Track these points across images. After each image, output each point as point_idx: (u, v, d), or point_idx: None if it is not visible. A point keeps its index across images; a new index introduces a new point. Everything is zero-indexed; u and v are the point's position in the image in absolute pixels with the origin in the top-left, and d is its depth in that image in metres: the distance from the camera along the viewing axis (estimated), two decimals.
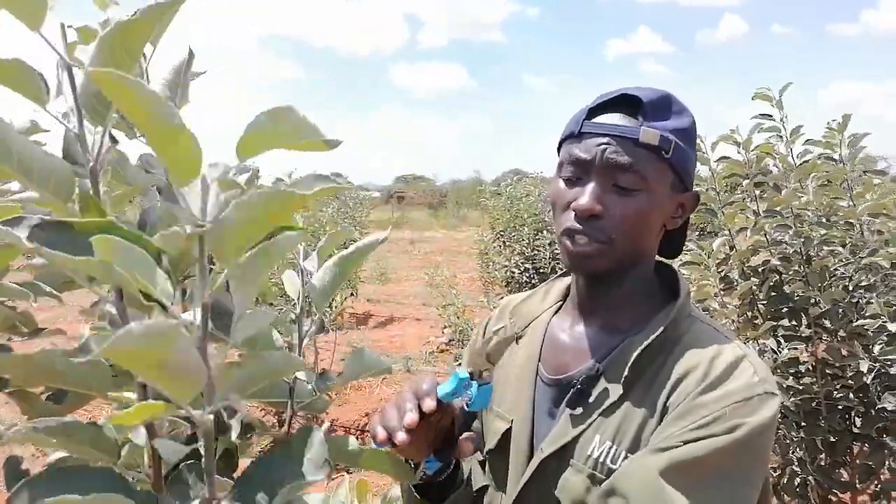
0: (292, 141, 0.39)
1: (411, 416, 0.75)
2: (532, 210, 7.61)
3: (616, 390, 0.83)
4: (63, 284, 0.66)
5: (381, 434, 0.77)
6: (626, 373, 0.83)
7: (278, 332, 0.69)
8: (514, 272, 7.42)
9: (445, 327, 6.99)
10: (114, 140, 0.60)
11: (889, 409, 1.78)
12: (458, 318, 6.76)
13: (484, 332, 1.08)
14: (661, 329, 0.84)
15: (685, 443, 0.75)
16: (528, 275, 7.17)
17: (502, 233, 8.15)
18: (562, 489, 0.84)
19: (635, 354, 0.83)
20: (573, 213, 0.85)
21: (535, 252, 7.20)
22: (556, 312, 1.00)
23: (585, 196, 0.83)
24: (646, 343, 0.83)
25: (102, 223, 0.41)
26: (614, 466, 0.80)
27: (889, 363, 1.81)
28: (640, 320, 0.89)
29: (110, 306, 0.47)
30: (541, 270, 7.08)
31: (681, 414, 0.77)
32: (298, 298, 0.78)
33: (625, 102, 0.85)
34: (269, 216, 0.38)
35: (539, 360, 0.95)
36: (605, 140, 0.83)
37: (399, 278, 11.67)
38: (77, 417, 0.49)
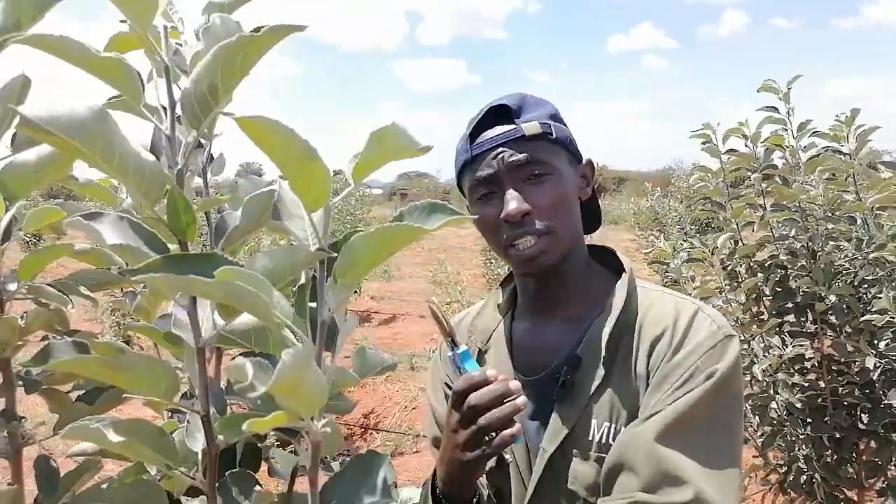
0: (395, 156, 0.41)
1: (522, 400, 0.78)
2: None
3: (599, 373, 0.87)
4: (96, 285, 0.67)
5: (516, 429, 0.79)
6: (603, 353, 0.86)
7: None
8: None
9: None
10: (200, 145, 0.60)
11: (895, 405, 1.77)
12: None
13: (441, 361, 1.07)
14: (622, 305, 0.89)
15: (672, 404, 0.80)
16: None
17: None
18: (574, 479, 0.86)
19: (606, 334, 0.87)
20: (506, 225, 0.88)
21: None
22: (512, 320, 1.02)
23: (510, 202, 0.88)
24: (613, 322, 0.87)
25: (206, 255, 0.43)
26: None
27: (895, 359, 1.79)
28: (597, 303, 0.92)
29: (178, 311, 0.48)
30: None
31: (661, 378, 0.83)
32: None
33: (495, 115, 0.92)
34: (392, 246, 0.41)
35: (513, 366, 0.97)
36: (498, 150, 0.89)
37: (402, 275, 11.67)
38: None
